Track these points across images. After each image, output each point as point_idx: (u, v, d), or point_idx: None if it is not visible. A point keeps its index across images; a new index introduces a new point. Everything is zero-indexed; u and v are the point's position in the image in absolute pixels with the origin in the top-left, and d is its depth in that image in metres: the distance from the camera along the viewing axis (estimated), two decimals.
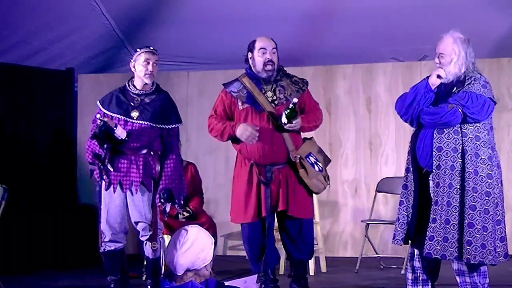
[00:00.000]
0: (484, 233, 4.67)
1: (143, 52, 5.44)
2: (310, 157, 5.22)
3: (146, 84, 5.46)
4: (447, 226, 4.71)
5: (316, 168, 5.22)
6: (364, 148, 8.21)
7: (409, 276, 4.95)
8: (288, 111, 5.04)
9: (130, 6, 8.09)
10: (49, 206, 7.85)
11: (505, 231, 4.81)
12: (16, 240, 7.39)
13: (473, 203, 4.68)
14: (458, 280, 4.82)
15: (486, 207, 4.69)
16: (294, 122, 5.08)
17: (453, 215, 4.71)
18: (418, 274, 4.92)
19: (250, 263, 5.34)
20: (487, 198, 4.70)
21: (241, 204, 5.22)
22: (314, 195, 5.41)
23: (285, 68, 5.41)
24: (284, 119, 5.06)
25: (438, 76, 4.78)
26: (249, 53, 5.32)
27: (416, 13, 7.65)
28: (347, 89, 8.27)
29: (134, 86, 5.47)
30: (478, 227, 4.67)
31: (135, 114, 5.39)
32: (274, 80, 5.26)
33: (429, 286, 4.93)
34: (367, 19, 7.77)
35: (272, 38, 5.45)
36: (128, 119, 5.36)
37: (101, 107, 5.44)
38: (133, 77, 5.51)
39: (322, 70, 8.15)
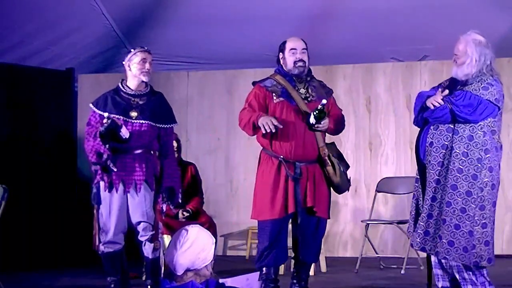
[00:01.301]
0: (455, 230, 4.71)
1: (138, 51, 5.45)
2: (334, 158, 5.31)
3: (142, 82, 5.44)
4: (429, 220, 4.79)
5: (341, 168, 5.30)
6: (364, 148, 8.21)
7: (439, 284, 4.95)
8: (317, 111, 5.07)
9: (130, 6, 8.09)
10: (49, 206, 7.85)
11: (491, 236, 4.79)
12: (16, 240, 7.40)
13: (449, 200, 4.74)
14: (457, 276, 4.83)
15: (464, 206, 4.71)
16: (322, 122, 5.12)
17: (436, 210, 4.78)
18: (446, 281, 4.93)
19: (257, 260, 5.28)
20: (467, 197, 4.72)
21: (267, 201, 5.20)
22: None
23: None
24: (312, 119, 5.10)
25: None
26: (280, 53, 5.34)
27: (416, 13, 7.66)
28: (347, 89, 8.27)
29: (128, 87, 5.47)
30: (450, 224, 4.72)
31: (134, 114, 5.39)
32: (306, 80, 5.31)
33: None
34: (367, 19, 7.77)
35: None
36: (128, 119, 5.35)
37: (96, 109, 5.42)
38: (123, 79, 5.51)
39: (322, 70, 8.15)
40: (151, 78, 5.53)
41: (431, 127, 4.82)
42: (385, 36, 7.99)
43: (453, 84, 4.90)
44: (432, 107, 4.78)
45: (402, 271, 6.79)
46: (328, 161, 5.24)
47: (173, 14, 8.08)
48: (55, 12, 7.91)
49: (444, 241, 4.73)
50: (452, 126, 4.77)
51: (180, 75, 8.74)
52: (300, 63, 5.27)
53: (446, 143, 4.76)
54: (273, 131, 5.06)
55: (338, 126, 5.40)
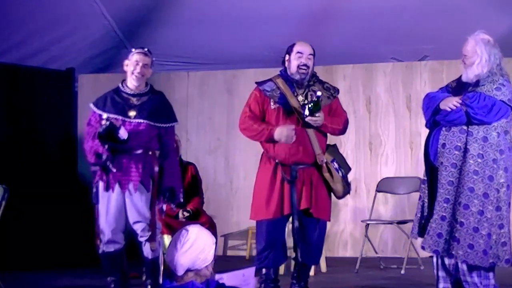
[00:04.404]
0: (474, 233, 4.68)
1: (135, 52, 5.45)
2: (335, 163, 5.29)
3: (141, 82, 5.45)
4: (442, 222, 4.76)
5: (340, 174, 5.28)
6: (364, 148, 8.22)
7: (440, 286, 4.94)
8: (312, 104, 5.09)
9: (130, 6, 8.09)
10: (49, 206, 7.85)
11: (508, 236, 4.78)
12: (16, 240, 7.39)
13: (466, 203, 4.70)
14: (461, 279, 4.82)
15: (481, 209, 4.69)
16: (316, 115, 5.11)
17: (449, 212, 4.75)
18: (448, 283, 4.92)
19: (256, 261, 5.29)
20: (484, 199, 4.70)
21: (263, 201, 5.24)
22: None
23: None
24: (306, 111, 5.10)
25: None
26: (287, 55, 5.34)
27: (416, 13, 7.66)
28: (347, 89, 8.28)
29: (128, 87, 5.47)
30: (469, 227, 4.69)
31: (132, 113, 5.38)
32: (307, 85, 5.30)
33: None
34: (367, 19, 7.77)
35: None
36: (126, 119, 5.35)
37: (95, 109, 5.43)
38: (124, 79, 5.51)
39: (322, 70, 8.14)
40: (151, 79, 5.54)
41: (443, 129, 4.79)
42: (385, 36, 7.99)
43: (461, 85, 4.88)
44: (448, 109, 4.74)
45: (402, 271, 6.79)
46: (326, 168, 5.23)
47: (173, 14, 8.08)
48: (55, 12, 7.92)
49: (463, 244, 4.68)
50: (466, 128, 4.74)
51: (180, 75, 8.75)
52: (303, 68, 5.25)
53: (460, 144, 4.74)
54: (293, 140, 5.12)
55: (336, 125, 5.35)
